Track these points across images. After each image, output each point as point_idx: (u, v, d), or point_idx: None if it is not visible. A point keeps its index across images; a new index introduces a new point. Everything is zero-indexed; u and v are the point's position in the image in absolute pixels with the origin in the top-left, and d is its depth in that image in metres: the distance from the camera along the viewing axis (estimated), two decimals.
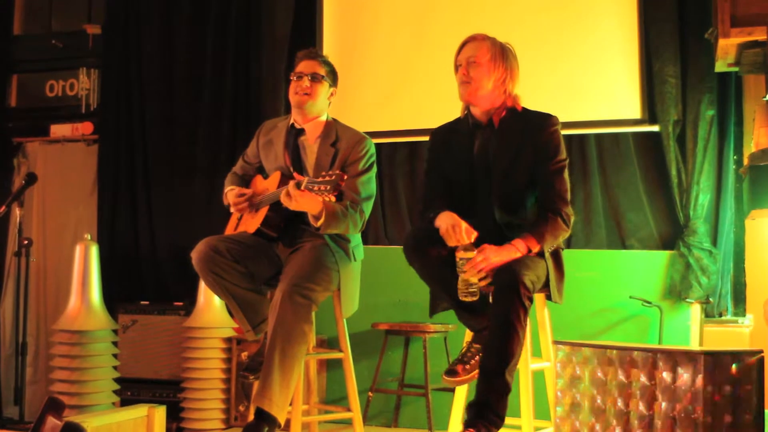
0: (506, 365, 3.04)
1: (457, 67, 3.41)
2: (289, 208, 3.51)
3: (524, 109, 3.44)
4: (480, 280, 3.13)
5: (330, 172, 3.33)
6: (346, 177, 3.37)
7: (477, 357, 3.23)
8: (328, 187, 3.28)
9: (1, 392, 6.19)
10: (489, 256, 3.11)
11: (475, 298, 3.11)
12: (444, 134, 3.57)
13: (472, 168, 3.40)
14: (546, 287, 3.29)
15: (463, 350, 3.31)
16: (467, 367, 3.22)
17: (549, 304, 3.49)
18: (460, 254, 3.11)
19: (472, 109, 3.45)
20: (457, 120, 3.55)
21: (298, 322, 3.49)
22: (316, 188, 3.31)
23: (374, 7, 5.69)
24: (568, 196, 3.34)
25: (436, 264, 3.22)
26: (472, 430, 3.02)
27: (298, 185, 3.40)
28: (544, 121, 3.37)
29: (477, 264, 3.09)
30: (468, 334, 3.41)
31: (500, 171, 3.32)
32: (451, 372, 3.23)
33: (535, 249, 3.20)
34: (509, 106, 3.40)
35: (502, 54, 3.38)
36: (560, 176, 3.33)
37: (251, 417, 3.48)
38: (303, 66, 3.87)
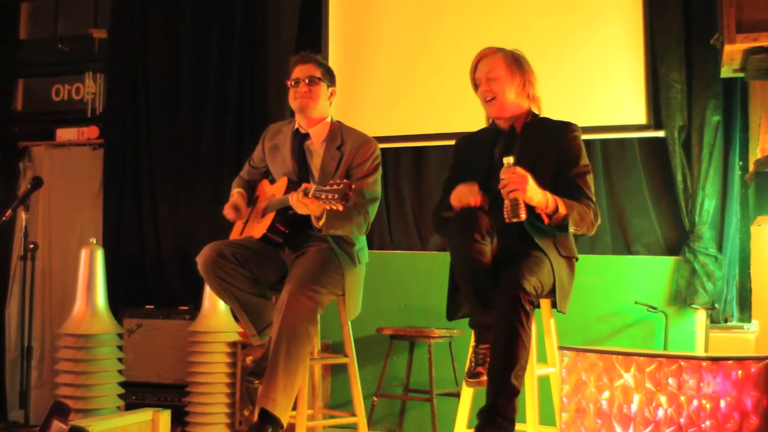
0: (512, 369, 3.04)
1: (476, 86, 3.47)
2: (298, 212, 3.52)
3: (545, 118, 3.50)
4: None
5: (338, 181, 3.32)
6: (354, 186, 3.37)
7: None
8: (336, 196, 3.28)
9: (7, 396, 6.20)
10: (528, 176, 3.11)
11: (518, 218, 3.10)
12: (465, 143, 3.62)
13: (491, 173, 3.40)
14: (552, 294, 3.29)
15: (473, 355, 3.29)
16: (486, 366, 3.21)
17: (554, 311, 3.49)
18: (504, 168, 3.12)
19: (496, 119, 3.50)
20: (482, 130, 3.61)
21: (303, 323, 3.50)
22: (323, 196, 3.31)
23: (379, 13, 5.70)
24: (594, 198, 3.38)
25: (478, 250, 3.17)
26: None
27: (306, 193, 3.41)
28: (564, 128, 3.43)
29: (518, 174, 3.09)
30: (472, 339, 3.39)
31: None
32: (475, 374, 3.20)
33: (562, 212, 3.19)
34: (533, 111, 3.49)
35: (516, 62, 3.45)
36: (584, 179, 3.37)
37: (256, 418, 3.48)
38: (298, 71, 3.87)
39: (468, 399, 3.46)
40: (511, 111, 3.44)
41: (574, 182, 3.36)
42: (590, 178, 3.40)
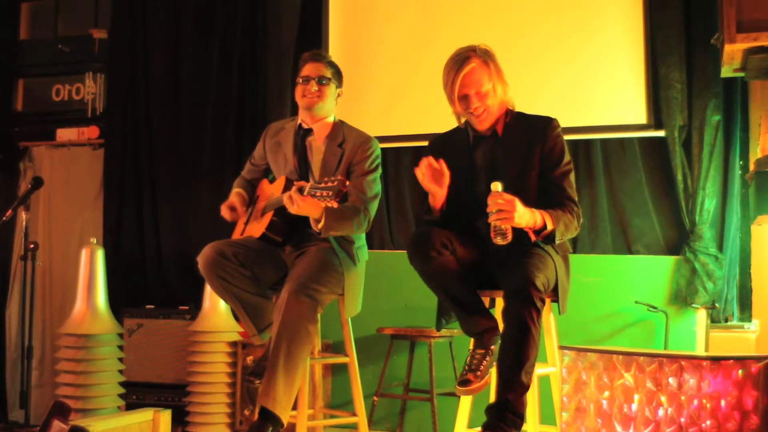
0: (522, 366, 3.04)
1: (461, 97, 3.37)
2: (291, 212, 3.52)
3: (521, 113, 3.48)
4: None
5: (332, 178, 3.34)
6: (348, 183, 3.38)
7: (485, 362, 3.23)
8: (330, 193, 3.29)
9: (7, 396, 6.20)
10: (516, 202, 3.07)
11: (506, 241, 3.09)
12: (441, 146, 3.57)
13: (476, 179, 3.41)
14: (553, 291, 3.29)
15: (469, 359, 3.29)
16: (478, 374, 3.21)
17: (555, 309, 3.49)
18: (491, 195, 3.09)
19: (472, 124, 3.47)
20: (455, 130, 3.58)
21: (303, 322, 3.50)
22: (318, 194, 3.32)
23: (380, 13, 5.70)
24: (576, 198, 3.36)
25: (439, 265, 3.21)
26: None
27: (300, 190, 3.42)
28: (547, 125, 3.40)
29: (506, 201, 3.05)
30: (471, 343, 3.40)
31: (512, 178, 3.29)
32: (465, 382, 3.21)
33: (549, 227, 3.18)
34: (508, 109, 3.45)
35: (495, 67, 3.38)
36: (568, 179, 3.36)
37: (256, 417, 3.48)
38: (309, 69, 3.89)
39: (468, 399, 3.46)
40: (495, 116, 3.42)
41: (557, 183, 3.35)
42: (572, 176, 3.39)
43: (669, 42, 4.94)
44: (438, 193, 3.29)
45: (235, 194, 4.07)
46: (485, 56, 3.38)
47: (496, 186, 3.10)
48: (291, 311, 3.48)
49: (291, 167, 3.91)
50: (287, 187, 3.74)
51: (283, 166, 3.95)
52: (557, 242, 3.25)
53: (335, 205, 3.36)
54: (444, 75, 3.45)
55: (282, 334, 3.47)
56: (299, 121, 3.95)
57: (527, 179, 3.33)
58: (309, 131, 3.91)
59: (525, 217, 3.11)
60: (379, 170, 3.87)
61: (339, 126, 3.93)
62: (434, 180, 3.27)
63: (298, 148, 3.91)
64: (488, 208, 3.09)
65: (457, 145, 3.52)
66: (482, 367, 3.24)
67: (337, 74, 3.94)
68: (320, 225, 3.51)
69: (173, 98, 6.11)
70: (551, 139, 3.37)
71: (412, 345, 5.03)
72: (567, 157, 3.39)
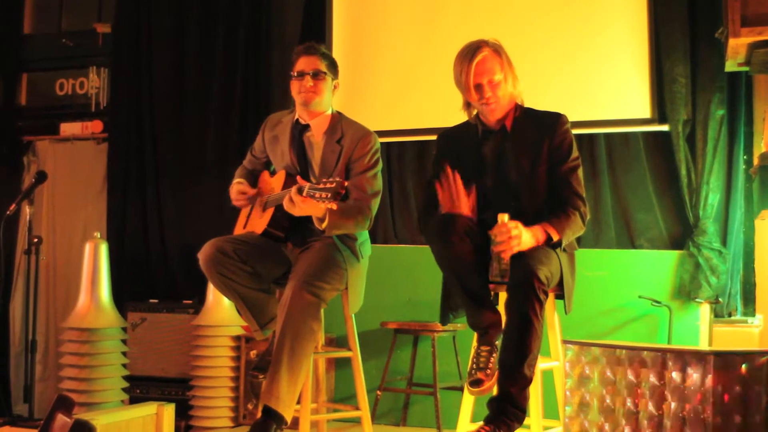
0: (525, 359, 3.03)
1: (475, 86, 3.34)
2: (293, 214, 3.50)
3: (530, 109, 3.46)
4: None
5: (331, 179, 3.29)
6: (346, 183, 3.36)
7: (492, 359, 3.22)
8: (329, 195, 3.25)
9: (11, 390, 6.21)
10: (521, 228, 3.07)
11: (506, 279, 3.08)
12: (449, 140, 3.57)
13: (484, 173, 3.40)
14: (558, 287, 3.29)
15: (475, 357, 3.28)
16: (488, 372, 3.19)
17: (558, 304, 3.49)
18: (495, 228, 3.08)
19: (483, 117, 3.45)
20: (465, 124, 3.55)
21: (307, 320, 3.50)
22: (317, 195, 3.28)
23: (384, 6, 5.69)
24: (584, 194, 3.35)
25: (458, 252, 3.19)
26: (491, 426, 3.02)
27: (300, 191, 3.39)
28: (556, 120, 3.38)
29: (509, 230, 3.03)
30: (474, 339, 3.40)
31: (523, 174, 3.30)
32: (476, 382, 3.19)
33: (555, 238, 3.17)
34: (517, 104, 3.43)
35: (506, 59, 3.38)
36: (575, 175, 3.34)
37: (259, 415, 3.48)
38: (303, 63, 3.82)
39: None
40: (504, 110, 3.40)
41: (564, 179, 3.33)
42: (580, 171, 3.37)
43: (673, 36, 4.94)
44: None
45: (236, 184, 4.02)
46: (496, 47, 3.38)
47: (503, 217, 3.09)
48: (294, 309, 3.47)
49: (288, 162, 3.88)
50: (287, 182, 3.73)
51: (281, 161, 3.93)
52: (563, 246, 3.24)
53: (334, 206, 3.33)
54: (456, 67, 3.42)
55: (285, 332, 3.46)
56: (296, 116, 3.90)
57: (537, 174, 3.33)
58: (306, 127, 3.85)
59: (527, 243, 3.10)
60: (380, 165, 3.82)
61: (337, 119, 3.87)
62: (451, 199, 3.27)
63: (295, 144, 3.87)
64: (494, 237, 3.07)
65: (465, 139, 3.50)
66: (490, 365, 3.22)
67: (332, 66, 3.86)
68: (324, 224, 3.49)
69: (177, 92, 6.11)
70: (560, 134, 3.36)
71: (416, 339, 5.03)
72: (575, 153, 3.37)
